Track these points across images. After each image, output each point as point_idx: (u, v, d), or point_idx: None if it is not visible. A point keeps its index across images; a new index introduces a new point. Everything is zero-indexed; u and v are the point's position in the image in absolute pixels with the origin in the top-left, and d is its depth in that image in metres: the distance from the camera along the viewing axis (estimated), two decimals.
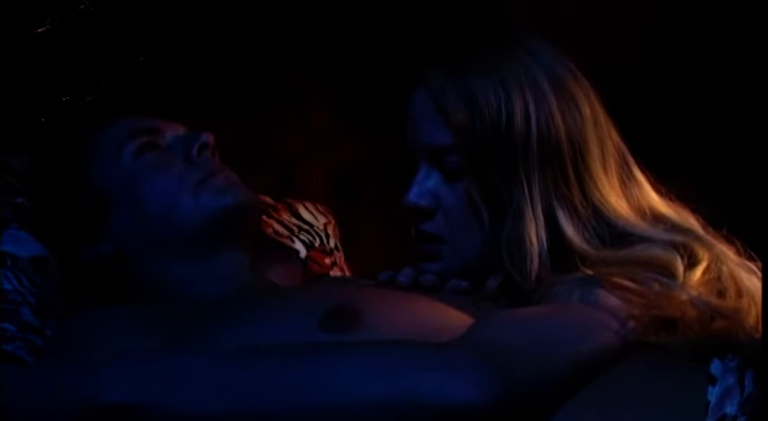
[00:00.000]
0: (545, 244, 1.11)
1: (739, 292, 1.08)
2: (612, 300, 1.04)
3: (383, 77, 1.70)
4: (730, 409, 0.92)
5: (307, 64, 1.83)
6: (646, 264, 1.08)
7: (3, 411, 0.85)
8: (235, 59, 1.76)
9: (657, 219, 1.16)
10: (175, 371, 0.87)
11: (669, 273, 1.07)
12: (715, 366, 0.95)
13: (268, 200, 1.59)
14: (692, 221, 1.18)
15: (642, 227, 1.14)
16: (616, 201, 1.15)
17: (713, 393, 0.93)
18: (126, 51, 1.60)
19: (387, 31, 1.88)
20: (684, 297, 1.04)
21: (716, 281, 1.09)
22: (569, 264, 1.10)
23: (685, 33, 1.93)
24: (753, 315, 1.06)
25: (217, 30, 1.75)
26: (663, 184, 1.21)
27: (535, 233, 1.11)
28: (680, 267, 1.07)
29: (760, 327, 1.02)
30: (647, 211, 1.17)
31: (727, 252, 1.14)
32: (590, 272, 1.08)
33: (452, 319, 1.05)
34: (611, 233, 1.13)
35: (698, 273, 1.08)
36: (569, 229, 1.12)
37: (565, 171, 1.13)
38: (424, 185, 1.18)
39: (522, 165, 1.12)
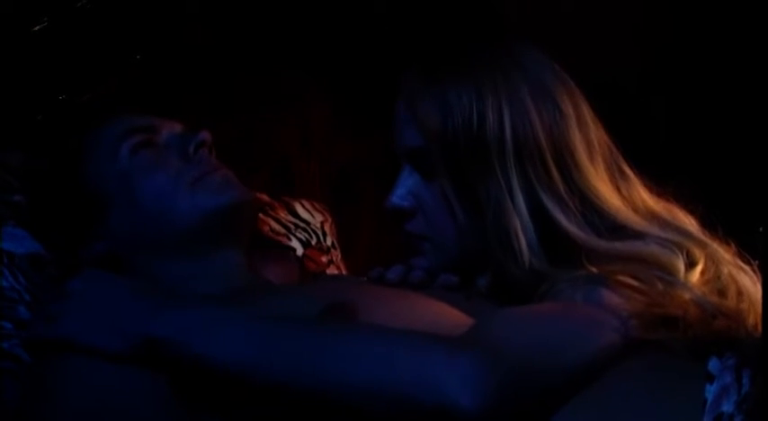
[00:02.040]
0: (533, 235, 1.11)
1: (739, 292, 1.09)
2: (616, 299, 1.04)
3: (380, 77, 1.70)
4: (727, 408, 0.92)
5: (304, 63, 1.83)
6: (647, 262, 1.08)
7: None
8: (232, 58, 1.76)
9: (651, 215, 1.16)
10: (214, 321, 0.97)
11: (670, 272, 1.07)
12: (713, 364, 0.95)
13: (265, 198, 1.59)
14: (685, 221, 1.18)
15: (636, 220, 1.14)
16: (606, 192, 1.15)
17: (710, 391, 0.93)
18: (123, 49, 1.60)
19: (385, 30, 1.88)
20: (687, 295, 1.05)
21: (716, 280, 1.09)
22: (573, 258, 1.10)
23: (681, 34, 1.93)
24: (752, 314, 1.06)
25: (215, 28, 1.75)
26: (658, 185, 1.21)
27: (520, 226, 1.11)
28: (681, 267, 1.08)
29: (759, 327, 1.02)
30: (641, 206, 1.17)
31: (722, 252, 1.14)
32: (594, 269, 1.08)
33: (447, 316, 1.06)
34: (604, 224, 1.13)
35: (697, 272, 1.09)
36: (561, 218, 1.12)
37: (545, 164, 1.13)
38: (405, 187, 1.19)
39: (498, 161, 1.12)
